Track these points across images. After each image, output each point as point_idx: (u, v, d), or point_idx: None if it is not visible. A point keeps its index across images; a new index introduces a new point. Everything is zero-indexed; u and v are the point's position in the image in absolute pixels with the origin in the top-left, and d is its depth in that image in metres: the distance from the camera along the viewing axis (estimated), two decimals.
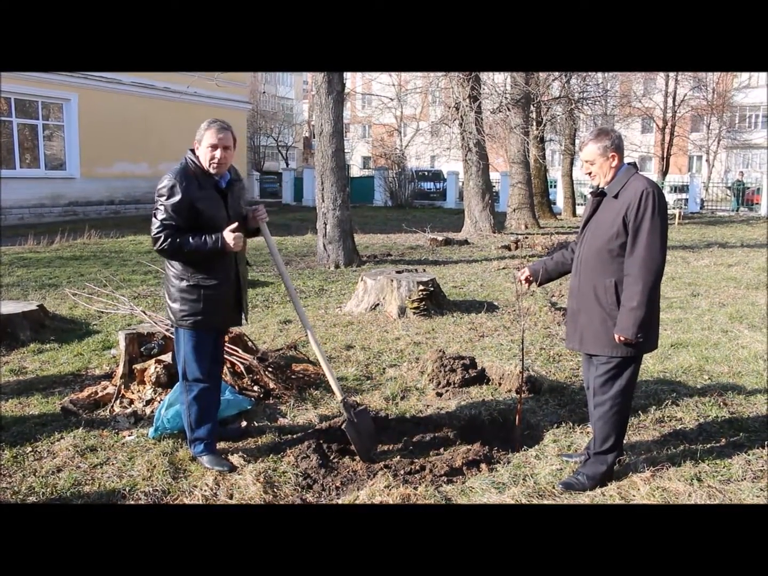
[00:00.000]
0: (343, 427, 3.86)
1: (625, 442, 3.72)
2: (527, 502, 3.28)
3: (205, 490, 3.42)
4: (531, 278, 3.85)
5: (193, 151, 3.61)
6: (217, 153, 3.53)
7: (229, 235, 3.54)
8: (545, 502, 3.30)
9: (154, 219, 3.53)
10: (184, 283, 3.59)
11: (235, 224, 3.62)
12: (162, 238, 3.49)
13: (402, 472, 3.64)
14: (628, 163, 3.43)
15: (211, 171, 3.56)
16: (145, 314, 5.65)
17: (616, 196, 3.33)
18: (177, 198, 3.46)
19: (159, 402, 4.36)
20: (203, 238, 3.51)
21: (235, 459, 3.76)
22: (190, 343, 3.66)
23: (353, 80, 44.12)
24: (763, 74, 35.01)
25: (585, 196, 27.28)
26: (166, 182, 3.48)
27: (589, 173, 3.44)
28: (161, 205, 3.50)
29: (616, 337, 3.30)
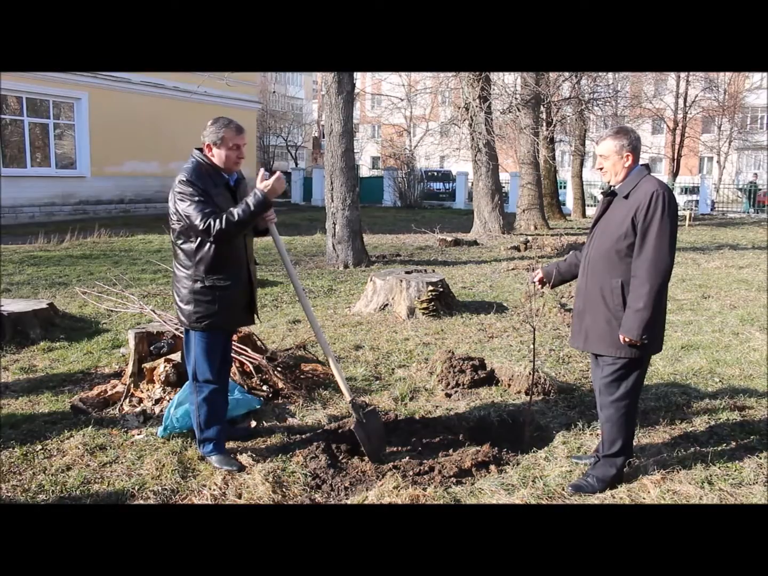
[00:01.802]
0: (352, 428, 3.85)
1: (635, 444, 3.70)
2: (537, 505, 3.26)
3: (214, 490, 3.42)
4: (544, 280, 3.84)
5: (200, 150, 3.61)
6: (241, 152, 3.58)
7: (265, 184, 3.54)
8: (555, 504, 3.28)
9: (191, 212, 3.43)
10: (197, 285, 3.57)
11: (262, 171, 3.65)
12: (213, 223, 3.40)
13: (411, 472, 3.63)
14: (641, 165, 3.41)
15: (235, 169, 3.61)
16: (155, 313, 5.66)
17: (626, 197, 3.32)
18: (200, 189, 3.46)
19: (168, 401, 4.37)
20: (243, 204, 3.47)
21: (243, 459, 3.76)
22: (201, 344, 3.66)
23: (363, 80, 44.15)
24: None
25: (595, 197, 27.23)
26: (184, 178, 3.48)
27: (601, 168, 3.43)
28: (190, 195, 3.45)
29: (621, 337, 3.29)
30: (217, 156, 3.56)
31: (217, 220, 3.42)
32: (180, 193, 3.48)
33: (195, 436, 3.84)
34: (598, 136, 3.49)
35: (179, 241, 3.58)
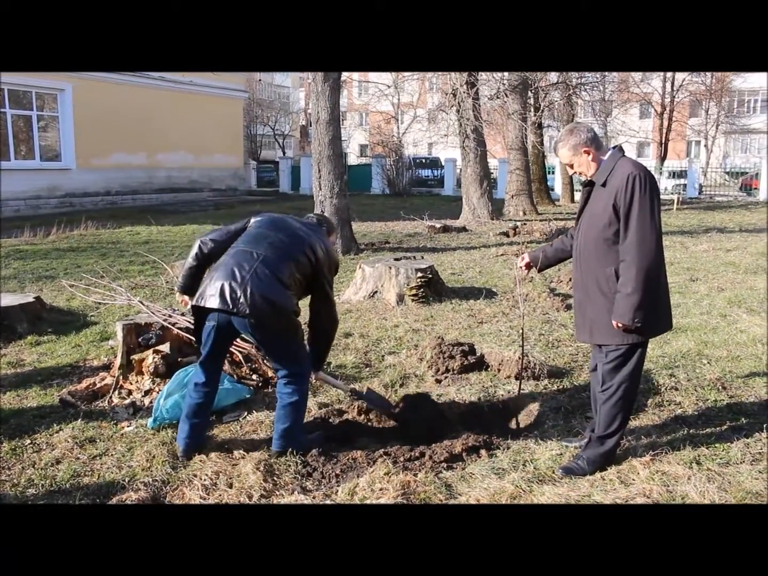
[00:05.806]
0: (364, 393, 4.14)
1: None
2: (527, 488, 3.28)
3: (205, 480, 3.41)
4: (531, 264, 3.84)
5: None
6: None
7: None
8: (545, 487, 3.30)
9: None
10: None
11: None
12: None
13: (402, 458, 3.63)
14: (613, 148, 3.38)
15: None
16: (143, 304, 5.62)
17: (604, 184, 3.28)
18: None
19: (157, 392, 4.36)
20: None
21: (234, 448, 3.75)
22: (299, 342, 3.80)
23: None
24: None
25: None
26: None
27: (575, 173, 3.42)
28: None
29: (614, 323, 3.28)
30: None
31: None
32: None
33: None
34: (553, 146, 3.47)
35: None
